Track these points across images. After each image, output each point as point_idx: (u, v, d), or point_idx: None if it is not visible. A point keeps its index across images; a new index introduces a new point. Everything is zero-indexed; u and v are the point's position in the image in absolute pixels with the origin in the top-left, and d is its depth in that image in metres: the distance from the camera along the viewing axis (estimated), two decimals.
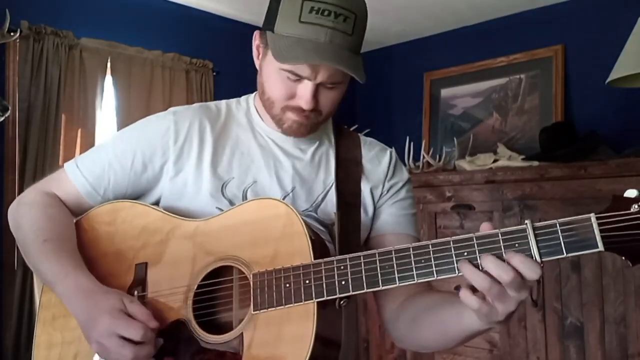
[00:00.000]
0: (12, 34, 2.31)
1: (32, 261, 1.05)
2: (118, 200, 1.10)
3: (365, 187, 1.13)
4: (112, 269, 1.03)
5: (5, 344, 2.40)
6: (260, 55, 1.07)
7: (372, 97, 3.79)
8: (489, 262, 0.79)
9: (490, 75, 3.24)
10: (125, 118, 2.71)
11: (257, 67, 1.09)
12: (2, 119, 2.20)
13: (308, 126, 1.06)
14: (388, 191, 1.15)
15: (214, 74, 3.12)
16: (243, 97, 1.19)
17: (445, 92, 3.44)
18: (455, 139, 3.18)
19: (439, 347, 1.05)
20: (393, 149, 1.22)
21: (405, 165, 3.08)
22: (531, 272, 0.77)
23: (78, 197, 1.10)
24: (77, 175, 1.10)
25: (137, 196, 1.11)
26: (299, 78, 1.00)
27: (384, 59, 3.75)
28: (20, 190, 2.33)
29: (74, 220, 1.11)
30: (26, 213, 1.08)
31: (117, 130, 2.32)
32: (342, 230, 1.04)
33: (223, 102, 1.18)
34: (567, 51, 2.98)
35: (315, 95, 1.01)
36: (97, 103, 2.67)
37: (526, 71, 3.11)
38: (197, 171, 1.07)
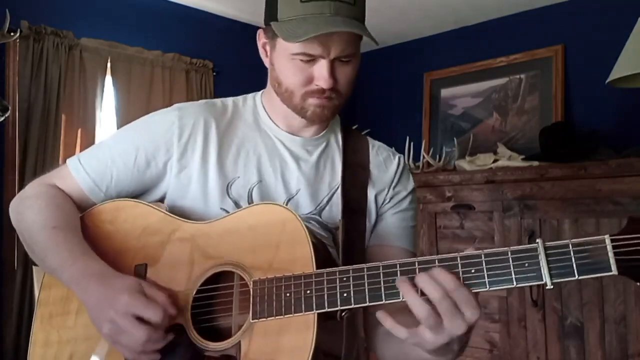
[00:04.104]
0: (12, 34, 2.31)
1: (38, 250, 1.03)
2: (121, 199, 1.08)
3: (370, 194, 1.11)
4: (112, 267, 1.01)
5: (5, 344, 2.40)
6: (269, 51, 1.06)
7: (371, 97, 3.79)
8: (421, 280, 0.79)
9: (490, 75, 3.24)
10: (125, 118, 2.71)
11: (267, 65, 1.08)
12: (2, 119, 2.20)
13: (331, 108, 1.04)
14: (391, 199, 1.13)
15: (214, 74, 3.12)
16: (250, 95, 1.17)
17: (445, 92, 3.44)
18: (455, 139, 3.18)
19: None
20: (402, 156, 1.20)
21: None
22: (460, 295, 0.77)
23: (80, 193, 1.09)
24: (79, 172, 1.08)
25: (141, 193, 1.10)
26: (313, 59, 0.98)
27: (384, 59, 3.75)
28: (21, 190, 2.32)
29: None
30: (32, 203, 1.07)
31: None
32: (347, 238, 1.03)
33: (229, 99, 1.16)
34: (567, 51, 2.98)
35: (332, 73, 0.99)
36: (97, 103, 2.68)
37: (526, 71, 3.11)
38: (202, 169, 1.06)
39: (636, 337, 2.19)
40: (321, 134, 1.14)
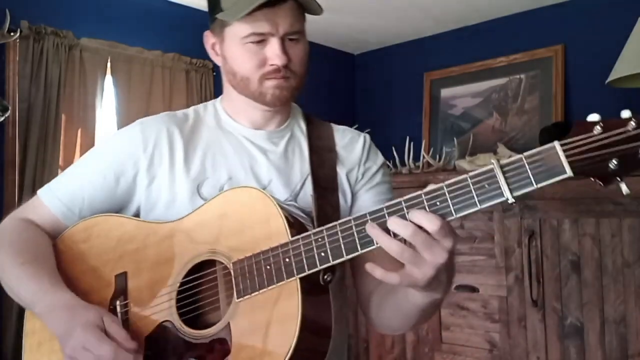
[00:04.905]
0: (12, 34, 2.31)
1: (11, 286, 1.04)
2: (91, 217, 1.09)
3: (341, 172, 1.13)
4: (92, 285, 1.02)
5: (5, 344, 2.40)
6: (219, 47, 1.09)
7: (372, 97, 3.79)
8: (392, 223, 0.81)
9: (490, 75, 3.24)
10: (125, 118, 2.71)
11: (220, 63, 1.11)
12: (2, 119, 2.20)
13: (289, 89, 1.06)
14: (363, 175, 1.15)
15: (214, 74, 3.12)
16: (210, 102, 1.20)
17: (445, 92, 3.44)
18: (455, 139, 3.18)
19: (402, 326, 1.05)
20: (367, 135, 1.22)
21: (405, 165, 3.09)
22: (431, 224, 0.79)
23: (54, 220, 1.10)
24: (50, 198, 1.10)
25: (114, 211, 1.11)
26: (263, 39, 1.01)
27: (384, 59, 3.75)
28: (21, 190, 2.33)
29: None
30: (2, 240, 1.08)
31: (117, 130, 2.32)
32: (320, 212, 1.04)
33: (190, 108, 1.18)
34: (567, 51, 2.98)
35: (284, 50, 1.02)
36: (97, 103, 2.67)
37: (526, 71, 3.11)
38: (171, 176, 1.07)
39: (636, 337, 2.19)
40: (284, 125, 1.15)
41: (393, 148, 3.15)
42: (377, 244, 0.83)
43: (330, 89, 3.71)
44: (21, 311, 2.49)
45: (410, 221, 0.80)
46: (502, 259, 2.56)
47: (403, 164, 3.10)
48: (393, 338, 2.93)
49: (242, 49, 1.02)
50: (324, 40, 3.59)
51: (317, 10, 1.04)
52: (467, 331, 2.67)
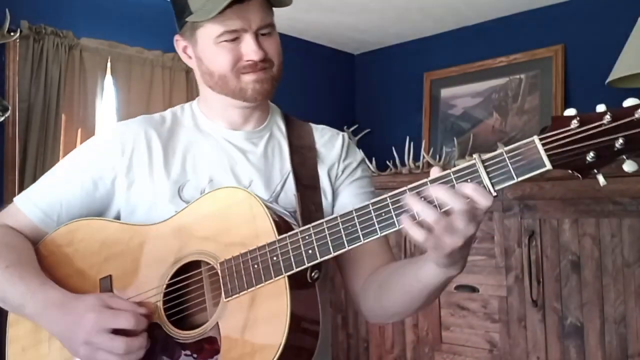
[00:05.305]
0: (12, 34, 2.31)
1: None
2: (74, 220, 1.08)
3: (322, 171, 1.13)
4: (76, 289, 1.02)
5: (6, 344, 2.40)
6: (192, 50, 1.08)
7: (372, 97, 3.79)
8: (439, 191, 0.79)
9: (490, 75, 3.24)
10: (125, 118, 2.66)
11: (194, 65, 1.10)
12: (2, 119, 2.20)
13: (269, 80, 1.05)
14: (343, 172, 1.16)
15: None
16: (187, 104, 1.20)
17: (445, 92, 3.44)
18: (455, 139, 3.18)
19: (405, 310, 1.03)
20: (345, 133, 1.23)
21: (405, 165, 3.09)
22: (483, 199, 0.78)
23: (32, 227, 1.09)
24: (28, 206, 1.09)
25: (94, 216, 1.10)
26: (237, 36, 1.01)
27: (383, 59, 3.75)
28: (21, 190, 2.32)
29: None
30: None
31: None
32: (304, 211, 1.05)
33: (167, 111, 1.18)
34: (567, 51, 2.98)
35: (260, 45, 1.02)
36: (97, 103, 2.67)
37: (526, 71, 3.11)
38: (150, 179, 1.07)
39: (636, 337, 2.19)
40: (263, 125, 1.15)
41: (393, 148, 3.15)
42: (412, 213, 0.81)
43: (330, 89, 3.71)
44: None
45: (460, 192, 0.79)
46: (502, 259, 2.56)
47: (403, 164, 3.10)
48: (393, 338, 2.93)
49: (217, 48, 1.02)
50: (324, 40, 3.59)
51: (286, 1, 1.04)
52: (467, 331, 2.67)
